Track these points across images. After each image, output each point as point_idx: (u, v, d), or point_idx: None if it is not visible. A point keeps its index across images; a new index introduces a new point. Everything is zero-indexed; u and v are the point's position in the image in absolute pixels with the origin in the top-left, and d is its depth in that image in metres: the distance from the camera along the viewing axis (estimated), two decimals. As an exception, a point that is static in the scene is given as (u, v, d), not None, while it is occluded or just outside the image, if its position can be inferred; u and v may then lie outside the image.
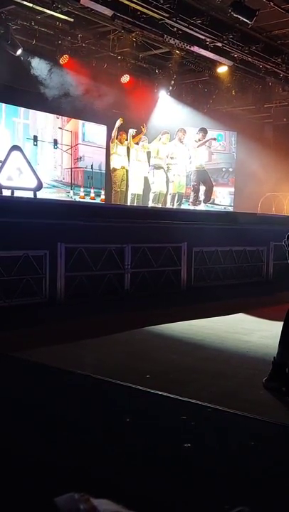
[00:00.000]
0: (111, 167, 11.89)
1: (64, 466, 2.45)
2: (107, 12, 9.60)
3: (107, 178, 13.48)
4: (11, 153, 7.58)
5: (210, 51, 11.14)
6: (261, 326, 5.76)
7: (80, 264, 6.75)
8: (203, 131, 11.74)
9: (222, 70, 12.55)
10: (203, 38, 10.52)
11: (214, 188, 13.18)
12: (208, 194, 12.08)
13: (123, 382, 3.63)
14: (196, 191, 11.90)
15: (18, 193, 7.56)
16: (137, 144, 11.73)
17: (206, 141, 12.04)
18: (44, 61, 12.00)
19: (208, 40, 10.63)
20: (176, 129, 11.78)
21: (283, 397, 3.50)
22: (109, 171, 12.32)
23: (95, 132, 14.13)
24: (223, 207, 15.20)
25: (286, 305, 3.73)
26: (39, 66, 11.98)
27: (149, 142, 11.79)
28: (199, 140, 11.60)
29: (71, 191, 13.59)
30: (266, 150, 15.22)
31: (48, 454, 2.57)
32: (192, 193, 11.91)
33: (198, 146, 11.66)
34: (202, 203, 12.02)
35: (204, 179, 11.91)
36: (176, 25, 10.02)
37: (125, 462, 2.52)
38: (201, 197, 11.96)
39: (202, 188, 12.07)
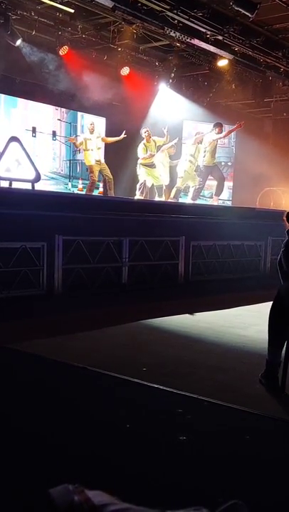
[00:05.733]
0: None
1: (61, 458, 2.46)
2: (108, 3, 9.53)
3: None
4: (9, 145, 7.55)
5: (210, 44, 11.07)
6: (258, 321, 5.75)
7: (78, 257, 6.74)
8: (219, 125, 11.86)
9: (222, 63, 12.49)
10: (204, 30, 10.45)
11: (213, 183, 13.27)
12: (220, 187, 12.34)
13: (120, 375, 3.64)
14: (202, 187, 12.12)
15: (16, 185, 7.54)
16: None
17: (232, 130, 12.42)
18: (44, 52, 11.93)
19: (208, 33, 10.56)
20: (178, 124, 11.99)
21: (279, 392, 3.50)
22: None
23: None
24: (221, 201, 15.16)
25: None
26: (39, 57, 11.91)
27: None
28: (216, 135, 11.78)
29: (69, 183, 13.55)
30: (265, 144, 15.19)
31: (44, 447, 2.57)
32: (197, 187, 12.06)
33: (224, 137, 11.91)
34: (213, 197, 12.34)
35: (215, 173, 12.16)
36: (176, 17, 9.94)
37: (121, 454, 2.52)
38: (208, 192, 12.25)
39: (214, 183, 12.39)
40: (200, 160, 12.02)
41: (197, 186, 12.10)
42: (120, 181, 12.94)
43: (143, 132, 11.79)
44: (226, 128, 14.83)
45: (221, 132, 11.90)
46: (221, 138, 11.96)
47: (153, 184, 12.06)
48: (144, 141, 11.76)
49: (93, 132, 11.85)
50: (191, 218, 8.37)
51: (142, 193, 11.77)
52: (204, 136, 12.10)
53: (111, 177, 11.91)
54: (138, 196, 11.69)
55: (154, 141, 11.88)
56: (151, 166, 11.91)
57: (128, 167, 12.94)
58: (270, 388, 3.53)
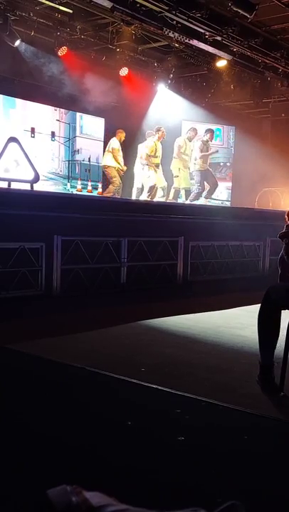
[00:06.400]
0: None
1: (57, 461, 2.46)
2: (107, 4, 9.54)
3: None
4: (8, 145, 7.55)
5: (209, 45, 11.09)
6: (256, 321, 5.75)
7: (77, 257, 6.74)
8: (210, 132, 11.94)
9: (221, 64, 12.50)
10: (203, 31, 10.47)
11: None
12: (212, 191, 12.41)
13: (118, 375, 3.64)
14: (201, 191, 12.15)
15: (14, 185, 7.54)
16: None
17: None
18: (42, 53, 11.93)
19: (207, 33, 10.57)
20: (176, 125, 12.03)
21: (277, 392, 3.50)
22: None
23: (93, 125, 14.08)
24: (220, 201, 15.19)
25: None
26: (37, 58, 11.91)
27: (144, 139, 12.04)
28: (207, 141, 11.83)
29: (68, 184, 13.55)
30: (264, 145, 15.19)
31: (43, 446, 2.57)
32: (196, 192, 12.11)
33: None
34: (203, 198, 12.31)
35: (207, 178, 12.20)
36: (175, 18, 9.96)
37: (119, 454, 2.52)
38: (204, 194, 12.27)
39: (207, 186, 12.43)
40: (191, 166, 12.07)
41: (196, 191, 12.15)
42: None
43: (157, 130, 11.74)
44: (225, 129, 14.90)
45: (212, 139, 12.04)
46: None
47: (155, 185, 12.08)
48: (156, 139, 11.68)
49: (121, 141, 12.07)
50: (190, 219, 8.37)
51: (152, 197, 11.72)
52: (195, 138, 12.12)
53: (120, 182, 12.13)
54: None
55: (160, 143, 11.94)
56: (158, 166, 11.94)
57: (127, 169, 12.95)
58: (267, 391, 3.52)
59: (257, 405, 3.24)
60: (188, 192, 12.39)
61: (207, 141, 11.94)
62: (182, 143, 12.15)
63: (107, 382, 3.58)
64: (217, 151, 13.45)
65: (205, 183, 12.60)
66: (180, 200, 12.82)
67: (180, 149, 12.23)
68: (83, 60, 12.41)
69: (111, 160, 12.38)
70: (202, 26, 10.22)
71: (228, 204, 15.15)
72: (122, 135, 12.28)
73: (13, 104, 12.63)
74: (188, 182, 12.30)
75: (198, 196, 12.23)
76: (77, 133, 13.86)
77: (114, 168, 12.38)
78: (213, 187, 12.55)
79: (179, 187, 12.45)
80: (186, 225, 8.20)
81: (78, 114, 13.84)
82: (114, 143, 12.34)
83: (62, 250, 6.57)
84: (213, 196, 15.13)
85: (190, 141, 12.14)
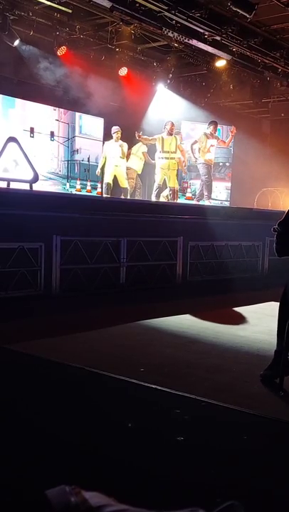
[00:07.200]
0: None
1: (57, 461, 2.45)
2: (106, 3, 9.54)
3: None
4: (7, 145, 7.53)
5: (208, 45, 11.09)
6: (255, 321, 5.77)
7: (76, 257, 6.74)
8: (214, 124, 11.66)
9: (220, 63, 12.50)
10: (202, 31, 10.47)
11: (197, 182, 13.17)
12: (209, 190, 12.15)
13: (117, 376, 3.63)
14: (209, 185, 11.83)
15: (14, 185, 7.53)
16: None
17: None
18: (42, 52, 11.93)
19: (206, 33, 10.58)
20: (176, 125, 11.84)
21: (277, 392, 3.50)
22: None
23: (92, 125, 14.08)
24: (219, 201, 15.17)
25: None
26: (36, 57, 11.91)
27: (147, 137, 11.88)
28: (211, 134, 11.55)
29: (67, 184, 13.55)
30: (263, 145, 15.22)
31: (42, 447, 2.57)
32: (204, 187, 11.79)
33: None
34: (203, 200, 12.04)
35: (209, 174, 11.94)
36: (174, 17, 9.96)
37: (118, 455, 2.52)
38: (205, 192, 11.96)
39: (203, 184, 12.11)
40: (197, 157, 11.80)
41: (206, 183, 11.83)
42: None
43: (168, 124, 11.49)
44: (224, 128, 14.87)
45: (216, 131, 11.77)
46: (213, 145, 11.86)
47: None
48: (165, 134, 11.26)
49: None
50: (189, 219, 8.37)
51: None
52: (174, 132, 11.77)
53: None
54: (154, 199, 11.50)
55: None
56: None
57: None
58: (270, 378, 3.56)
59: (257, 405, 3.24)
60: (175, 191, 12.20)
61: (211, 133, 11.55)
62: (160, 140, 11.66)
63: (107, 382, 3.57)
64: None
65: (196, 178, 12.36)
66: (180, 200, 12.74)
67: (159, 151, 11.95)
68: (82, 60, 12.42)
69: (137, 163, 12.25)
70: (201, 26, 10.23)
71: (227, 204, 15.15)
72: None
73: (13, 104, 12.63)
74: (172, 180, 11.95)
75: (208, 188, 11.78)
76: (77, 133, 13.86)
77: (136, 171, 12.31)
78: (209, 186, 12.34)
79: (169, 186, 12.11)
80: (185, 225, 8.20)
81: (77, 114, 13.83)
82: (144, 147, 12.20)
83: (61, 250, 6.57)
84: (212, 196, 15.09)
85: (171, 135, 11.59)
